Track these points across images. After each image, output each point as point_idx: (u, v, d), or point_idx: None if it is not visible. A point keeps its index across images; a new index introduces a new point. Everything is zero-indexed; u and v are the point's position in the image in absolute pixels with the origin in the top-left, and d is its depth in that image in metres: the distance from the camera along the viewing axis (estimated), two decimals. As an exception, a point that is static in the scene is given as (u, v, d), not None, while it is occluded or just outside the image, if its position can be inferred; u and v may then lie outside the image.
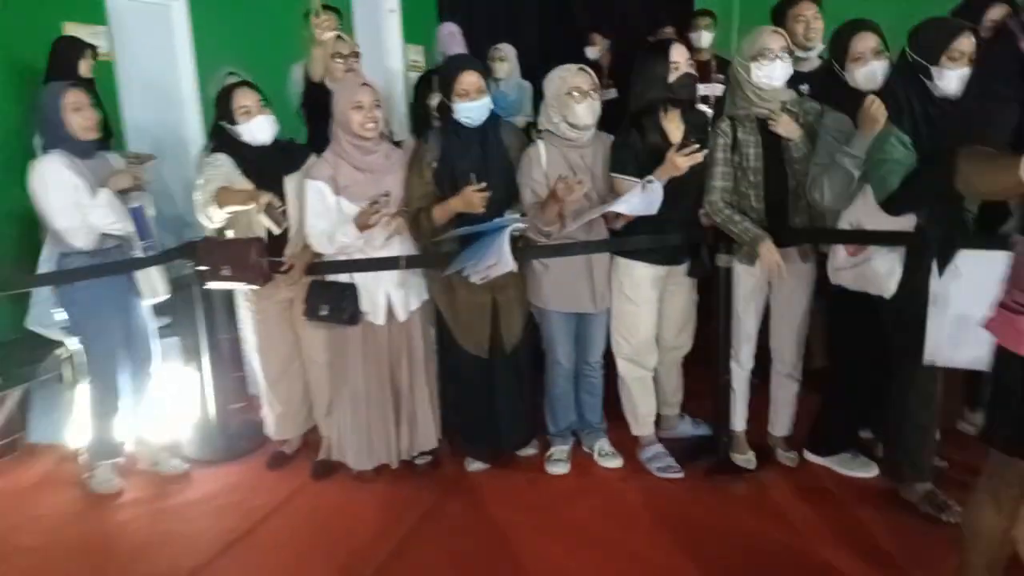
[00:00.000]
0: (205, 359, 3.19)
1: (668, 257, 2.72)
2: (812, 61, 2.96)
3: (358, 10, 5.57)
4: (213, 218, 2.68)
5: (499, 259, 2.46)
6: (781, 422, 2.90)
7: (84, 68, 3.63)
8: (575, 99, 2.59)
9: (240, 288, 2.84)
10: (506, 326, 2.78)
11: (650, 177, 2.43)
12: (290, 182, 2.78)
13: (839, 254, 2.51)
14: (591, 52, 4.81)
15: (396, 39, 6.15)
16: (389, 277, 2.73)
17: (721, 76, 4.32)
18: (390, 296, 2.75)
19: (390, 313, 2.76)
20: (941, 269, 2.24)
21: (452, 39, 4.44)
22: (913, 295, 2.31)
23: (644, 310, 2.75)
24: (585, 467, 2.93)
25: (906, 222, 2.33)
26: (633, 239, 2.68)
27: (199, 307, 3.12)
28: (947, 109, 2.19)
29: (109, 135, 3.67)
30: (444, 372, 2.91)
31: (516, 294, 2.78)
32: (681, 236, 2.69)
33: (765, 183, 2.58)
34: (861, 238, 2.44)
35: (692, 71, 2.56)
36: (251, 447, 3.24)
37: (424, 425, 2.90)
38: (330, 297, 2.72)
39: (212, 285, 2.83)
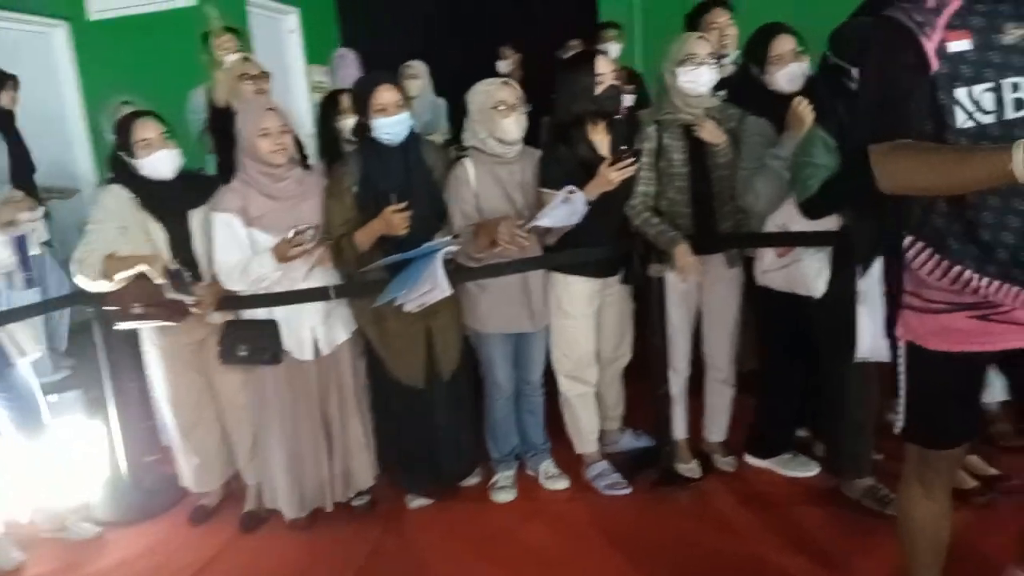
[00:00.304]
0: (112, 410, 2.93)
1: (604, 269, 2.68)
2: (726, 68, 3.01)
3: (257, 31, 5.36)
4: (100, 287, 2.48)
5: (434, 284, 2.36)
6: (717, 427, 2.91)
7: (6, 99, 3.36)
8: (502, 113, 2.53)
9: (153, 325, 2.63)
10: (442, 353, 2.67)
11: (571, 187, 2.40)
12: (196, 216, 2.60)
13: (767, 256, 2.54)
14: (503, 66, 4.78)
15: (298, 60, 5.97)
16: (313, 310, 2.58)
17: (630, 87, 4.38)
18: (315, 330, 2.60)
19: (315, 348, 2.61)
20: (864, 268, 2.29)
21: (343, 61, 4.28)
22: (841, 294, 2.34)
23: (583, 324, 2.71)
24: (531, 491, 2.85)
25: (832, 222, 2.37)
26: (568, 253, 2.63)
27: (102, 353, 2.87)
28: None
29: (32, 169, 3.43)
30: (378, 406, 2.76)
31: (451, 319, 2.68)
32: (615, 247, 2.66)
33: (691, 189, 2.58)
34: (788, 240, 2.47)
35: (617, 83, 2.54)
36: (169, 503, 2.99)
37: (359, 464, 2.75)
38: (249, 336, 2.54)
39: (123, 325, 2.61)
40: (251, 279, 2.48)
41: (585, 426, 2.84)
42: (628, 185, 2.54)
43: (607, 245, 2.64)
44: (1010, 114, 1.40)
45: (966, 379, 1.64)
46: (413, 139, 2.58)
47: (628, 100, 4.30)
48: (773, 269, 2.52)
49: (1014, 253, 1.45)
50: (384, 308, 2.53)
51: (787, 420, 2.83)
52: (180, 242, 2.57)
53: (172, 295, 2.45)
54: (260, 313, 2.57)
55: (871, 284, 2.28)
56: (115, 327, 2.66)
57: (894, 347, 1.68)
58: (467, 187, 2.57)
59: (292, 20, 5.93)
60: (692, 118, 2.55)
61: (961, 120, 1.41)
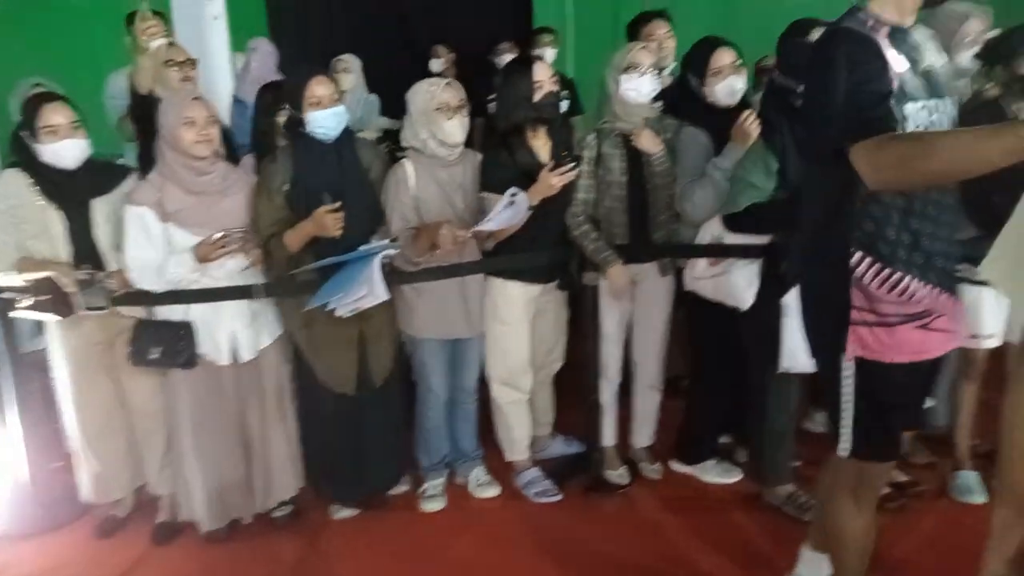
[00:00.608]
0: (12, 413, 2.73)
1: (541, 275, 2.67)
2: (664, 79, 3.05)
3: (178, 16, 5.10)
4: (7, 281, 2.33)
5: (370, 289, 2.29)
6: (644, 433, 2.95)
7: None
8: (444, 115, 2.49)
9: (44, 319, 2.45)
10: (375, 358, 2.60)
11: (514, 189, 2.39)
12: (100, 206, 2.44)
13: (699, 264, 2.59)
14: (435, 65, 4.72)
15: (223, 49, 5.71)
16: (234, 312, 2.46)
17: (564, 92, 4.39)
18: (235, 334, 2.49)
19: (234, 352, 2.50)
20: (792, 285, 2.36)
21: (256, 53, 4.01)
22: (768, 306, 2.40)
23: (519, 331, 2.69)
24: (461, 499, 2.81)
25: (763, 236, 2.42)
26: (506, 258, 2.60)
27: (2, 350, 2.67)
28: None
29: None
30: (304, 413, 2.66)
31: (384, 323, 2.60)
32: (553, 253, 2.65)
33: (628, 197, 2.60)
34: (720, 252, 2.52)
35: (556, 89, 2.54)
36: (75, 513, 2.80)
37: (281, 472, 2.64)
38: (162, 338, 2.41)
39: (15, 314, 2.43)
40: (167, 280, 2.36)
41: (517, 433, 2.82)
42: (567, 191, 2.54)
43: (545, 251, 2.63)
44: None
45: (917, 390, 1.72)
46: (348, 136, 2.50)
47: (562, 106, 4.34)
48: (704, 277, 2.57)
49: (946, 261, 1.58)
50: (314, 312, 2.44)
51: (712, 426, 2.89)
52: (80, 233, 2.43)
53: (84, 306, 2.32)
54: (176, 313, 2.44)
55: (796, 299, 2.36)
56: (8, 316, 2.49)
57: (835, 366, 1.67)
58: (406, 189, 2.51)
59: (217, 5, 5.66)
60: (631, 127, 2.57)
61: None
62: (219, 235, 2.31)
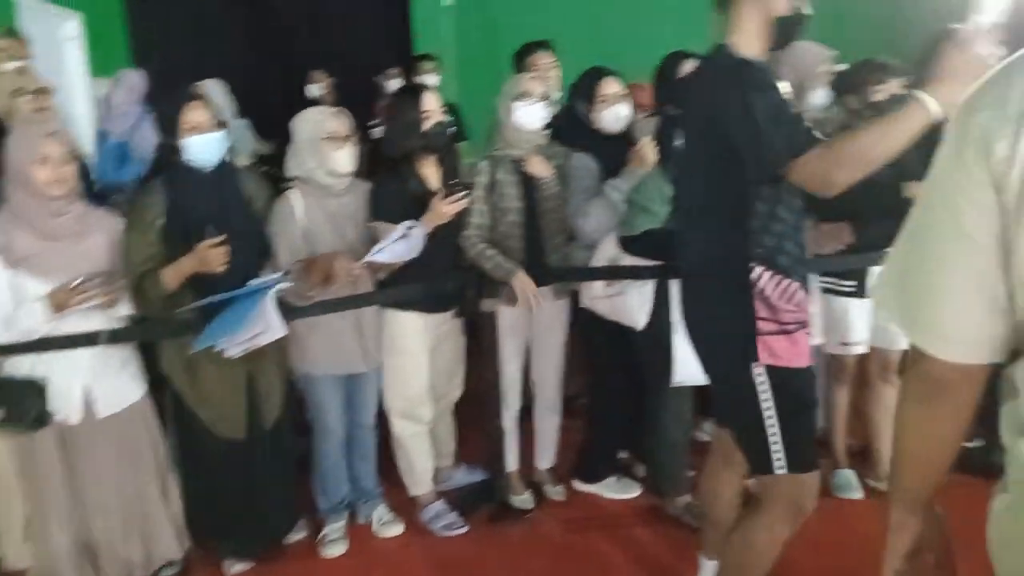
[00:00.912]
0: None
1: (438, 304, 2.63)
2: (551, 107, 3.10)
3: (28, 34, 4.72)
4: None
5: (266, 325, 2.16)
6: (546, 455, 2.96)
7: None
8: (333, 144, 2.41)
9: None
10: (265, 400, 2.46)
11: (410, 222, 2.35)
12: None
13: (596, 284, 2.64)
14: (314, 90, 4.62)
15: (80, 73, 5.33)
16: (86, 363, 2.25)
17: (450, 119, 4.39)
18: (89, 388, 2.26)
19: (89, 408, 2.27)
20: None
21: (121, 84, 3.68)
22: (661, 324, 2.49)
23: (417, 362, 2.63)
24: (364, 541, 2.69)
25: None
26: (402, 289, 2.54)
27: None
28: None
29: None
30: (188, 464, 2.48)
31: (274, 361, 2.47)
32: (449, 281, 2.62)
33: (524, 223, 2.62)
34: (614, 274, 2.58)
35: (444, 118, 2.53)
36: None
37: (162, 533, 2.44)
38: (7, 396, 2.17)
39: None
40: (17, 332, 2.14)
41: (419, 467, 2.75)
42: (460, 219, 2.53)
43: (441, 279, 2.59)
44: None
45: (814, 392, 1.83)
46: (228, 165, 2.38)
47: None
48: (601, 297, 2.62)
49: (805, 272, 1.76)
50: (198, 354, 2.28)
51: (612, 444, 2.94)
52: None
53: None
54: (24, 365, 2.20)
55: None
56: None
57: (747, 379, 1.71)
58: (294, 220, 2.42)
59: (72, 26, 5.29)
60: (523, 153, 2.60)
61: None
62: (77, 281, 2.12)
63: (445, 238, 2.51)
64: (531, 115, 2.57)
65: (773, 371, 1.70)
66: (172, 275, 2.23)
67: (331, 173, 2.43)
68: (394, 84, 4.51)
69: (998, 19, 1.42)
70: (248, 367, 2.38)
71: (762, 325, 1.70)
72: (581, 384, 3.13)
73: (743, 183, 1.64)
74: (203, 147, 2.25)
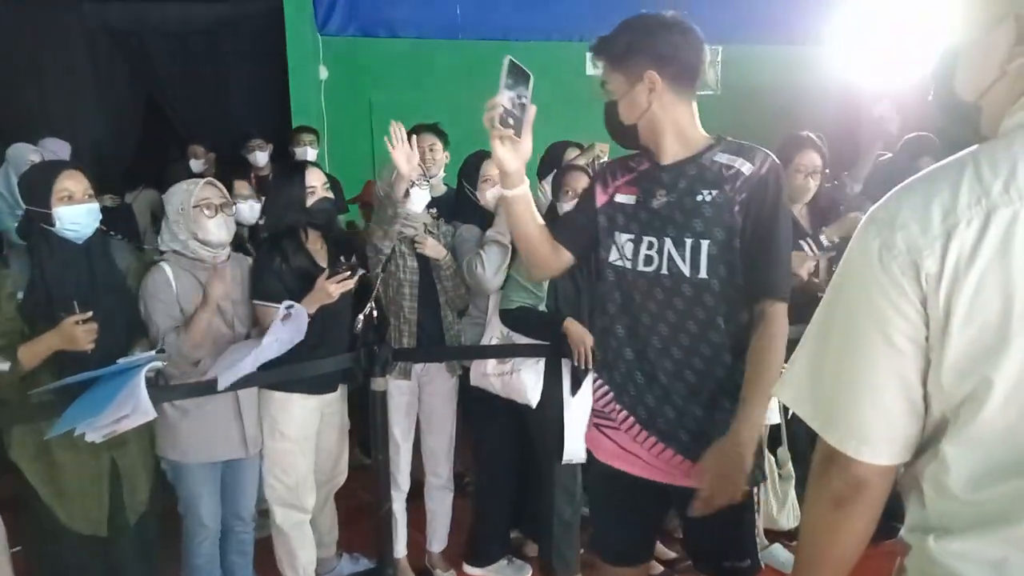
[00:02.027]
0: None
1: (325, 384, 2.52)
2: (437, 187, 3.15)
3: None
4: None
5: (135, 406, 1.98)
6: (438, 537, 2.88)
7: None
8: (205, 212, 2.31)
9: None
10: (129, 491, 2.23)
11: (289, 302, 2.25)
12: None
13: (488, 361, 2.63)
14: (196, 165, 4.50)
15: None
16: None
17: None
18: None
19: None
20: (573, 384, 2.54)
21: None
22: (553, 401, 2.54)
23: (302, 447, 2.49)
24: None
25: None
26: (287, 369, 2.40)
27: None
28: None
29: None
30: (42, 567, 2.19)
31: (140, 449, 2.26)
32: (337, 361, 2.52)
33: (420, 298, 2.64)
34: (508, 352, 2.60)
35: (329, 195, 2.50)
36: None
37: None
38: None
39: None
40: None
41: (302, 559, 2.57)
42: (347, 297, 2.48)
43: (329, 359, 2.49)
44: (640, 266, 1.64)
45: (621, 495, 1.74)
46: (99, 237, 2.21)
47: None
48: (493, 374, 2.63)
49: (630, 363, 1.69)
50: (53, 441, 2.05)
51: (502, 523, 2.89)
52: None
53: None
54: None
55: (580, 396, 2.51)
56: None
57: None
58: (169, 290, 2.27)
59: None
60: (415, 232, 2.60)
61: (613, 256, 1.68)
62: None
63: (334, 317, 2.44)
64: (413, 199, 2.53)
65: (589, 454, 1.76)
66: (30, 353, 2.01)
67: (204, 243, 2.31)
68: (262, 156, 4.43)
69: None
70: (111, 454, 2.17)
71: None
72: (468, 462, 3.10)
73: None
74: (76, 217, 2.10)
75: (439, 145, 3.04)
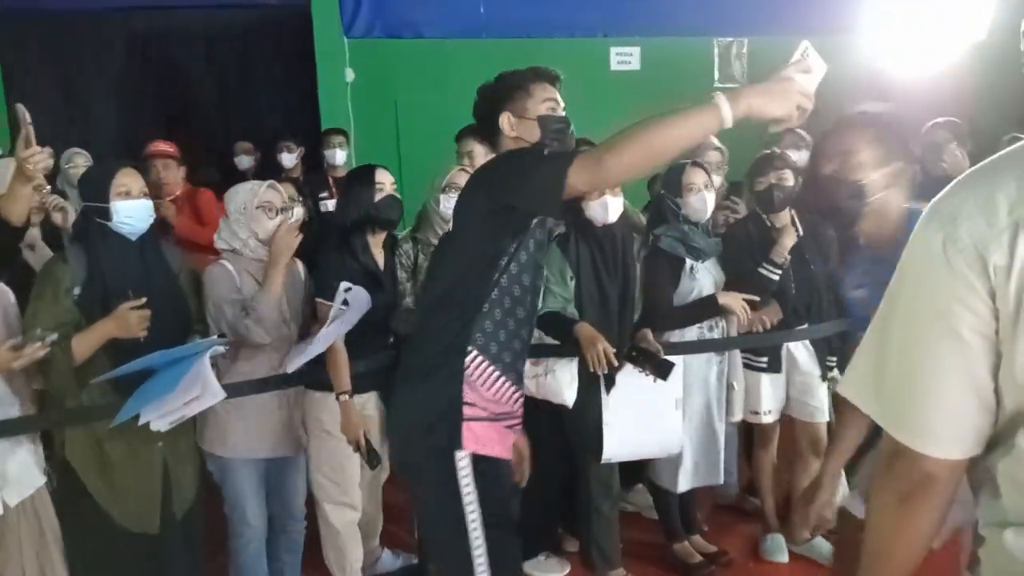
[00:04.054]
0: None
1: (368, 383, 2.52)
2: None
3: None
4: None
5: (204, 388, 2.01)
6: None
7: None
8: (267, 214, 2.37)
9: None
10: (177, 487, 2.26)
11: (347, 284, 2.29)
12: None
13: None
14: (243, 161, 4.62)
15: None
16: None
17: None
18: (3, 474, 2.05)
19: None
20: (607, 383, 2.53)
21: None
22: (589, 402, 2.54)
23: (348, 444, 2.53)
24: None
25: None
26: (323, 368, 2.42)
27: None
28: (600, 236, 2.53)
29: None
30: (90, 567, 2.20)
31: (189, 443, 2.31)
32: (377, 360, 2.51)
33: None
34: (539, 352, 2.55)
35: (396, 195, 2.52)
36: None
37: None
38: None
39: None
40: None
41: (352, 556, 2.58)
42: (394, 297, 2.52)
43: (366, 359, 2.50)
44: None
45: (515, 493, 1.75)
46: (153, 237, 2.26)
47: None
48: (527, 376, 2.63)
49: (522, 368, 1.75)
50: (105, 436, 2.10)
51: (548, 520, 2.90)
52: None
53: None
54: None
55: (615, 395, 2.53)
56: None
57: (448, 467, 1.61)
58: (231, 284, 2.33)
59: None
60: None
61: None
62: (12, 342, 1.93)
63: (377, 316, 2.46)
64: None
65: (475, 457, 1.62)
66: (84, 343, 2.05)
67: (263, 243, 2.37)
68: (290, 159, 4.50)
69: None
70: (165, 451, 2.21)
71: (467, 410, 1.64)
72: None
73: (487, 276, 1.65)
74: (133, 212, 2.15)
75: (479, 150, 3.06)
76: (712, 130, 1.40)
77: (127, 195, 2.16)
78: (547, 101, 1.76)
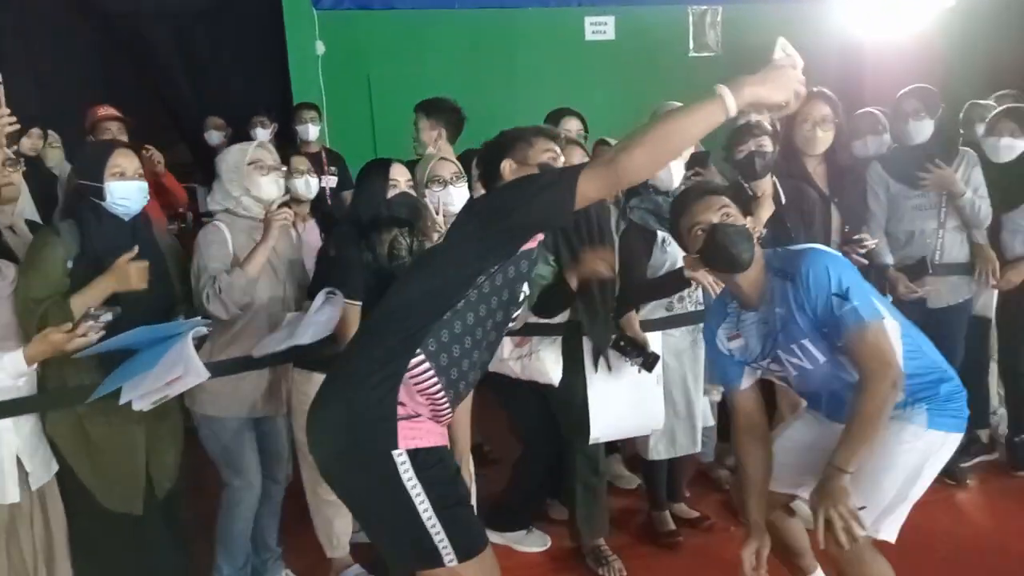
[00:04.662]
0: None
1: None
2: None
3: None
4: None
5: (187, 367, 2.00)
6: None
7: None
8: (259, 171, 2.38)
9: None
10: (158, 466, 2.27)
11: (330, 288, 2.28)
12: None
13: (505, 346, 2.61)
14: (212, 137, 4.56)
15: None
16: (15, 432, 2.05)
17: (334, 169, 4.36)
18: (20, 458, 2.06)
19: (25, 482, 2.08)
20: (596, 360, 2.56)
21: None
22: (575, 380, 2.57)
23: None
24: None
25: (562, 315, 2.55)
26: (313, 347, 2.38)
27: None
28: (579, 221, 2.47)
29: None
30: (76, 549, 2.21)
31: (170, 426, 2.30)
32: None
33: None
34: (524, 331, 2.56)
35: (411, 191, 2.46)
36: None
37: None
38: None
39: None
40: None
41: (339, 526, 2.59)
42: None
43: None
44: None
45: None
46: (144, 218, 2.27)
47: (332, 181, 4.29)
48: (511, 358, 2.63)
49: (465, 393, 1.72)
50: (90, 415, 2.12)
51: (537, 495, 2.94)
52: None
53: None
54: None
55: (600, 376, 2.57)
56: None
57: (387, 467, 1.58)
58: (224, 247, 2.32)
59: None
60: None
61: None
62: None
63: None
64: (447, 200, 2.55)
65: (415, 453, 1.60)
66: (82, 299, 2.04)
67: (257, 200, 2.38)
68: (264, 133, 4.45)
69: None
70: (147, 426, 2.21)
71: (403, 410, 1.61)
72: (487, 432, 3.11)
73: (459, 290, 1.62)
74: (126, 193, 2.16)
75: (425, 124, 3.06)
76: (719, 121, 1.46)
77: (121, 176, 2.16)
78: (547, 152, 1.86)
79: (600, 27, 5.55)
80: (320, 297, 2.25)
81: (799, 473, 2.06)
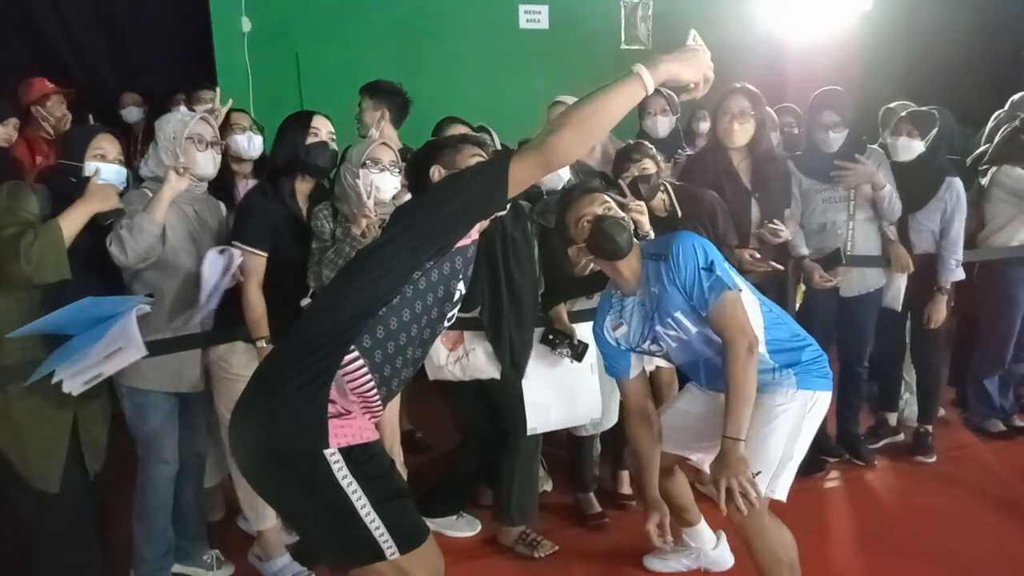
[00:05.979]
0: None
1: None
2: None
3: None
4: None
5: (128, 341, 1.99)
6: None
7: None
8: (197, 146, 2.32)
9: None
10: (89, 443, 2.23)
11: (221, 247, 2.30)
12: None
13: (440, 352, 2.62)
14: (131, 114, 4.42)
15: None
16: None
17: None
18: None
19: None
20: (512, 357, 2.59)
21: None
22: (510, 376, 2.60)
23: None
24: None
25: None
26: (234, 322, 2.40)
27: None
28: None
29: None
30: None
31: (102, 406, 2.27)
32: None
33: None
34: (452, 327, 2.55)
35: (332, 143, 2.46)
36: None
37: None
38: None
39: None
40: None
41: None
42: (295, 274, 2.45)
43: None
44: None
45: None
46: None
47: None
48: (449, 363, 2.64)
49: (397, 390, 1.70)
50: (15, 392, 2.07)
51: (471, 481, 2.95)
52: None
53: None
54: None
55: (533, 369, 2.63)
56: None
57: (320, 467, 1.53)
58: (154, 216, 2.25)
59: None
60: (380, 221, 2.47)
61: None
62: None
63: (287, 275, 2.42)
64: (379, 184, 2.42)
65: (348, 451, 1.56)
66: (70, 221, 2.07)
67: (191, 174, 2.32)
68: (136, 112, 4.41)
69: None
70: (75, 408, 2.16)
71: (332, 408, 1.57)
72: (416, 418, 3.08)
73: (395, 285, 1.59)
74: (106, 175, 2.19)
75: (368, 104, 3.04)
76: (640, 97, 1.52)
77: (102, 158, 2.22)
78: (475, 157, 1.88)
79: (534, 16, 5.55)
80: (209, 254, 2.24)
81: (687, 439, 2.31)
